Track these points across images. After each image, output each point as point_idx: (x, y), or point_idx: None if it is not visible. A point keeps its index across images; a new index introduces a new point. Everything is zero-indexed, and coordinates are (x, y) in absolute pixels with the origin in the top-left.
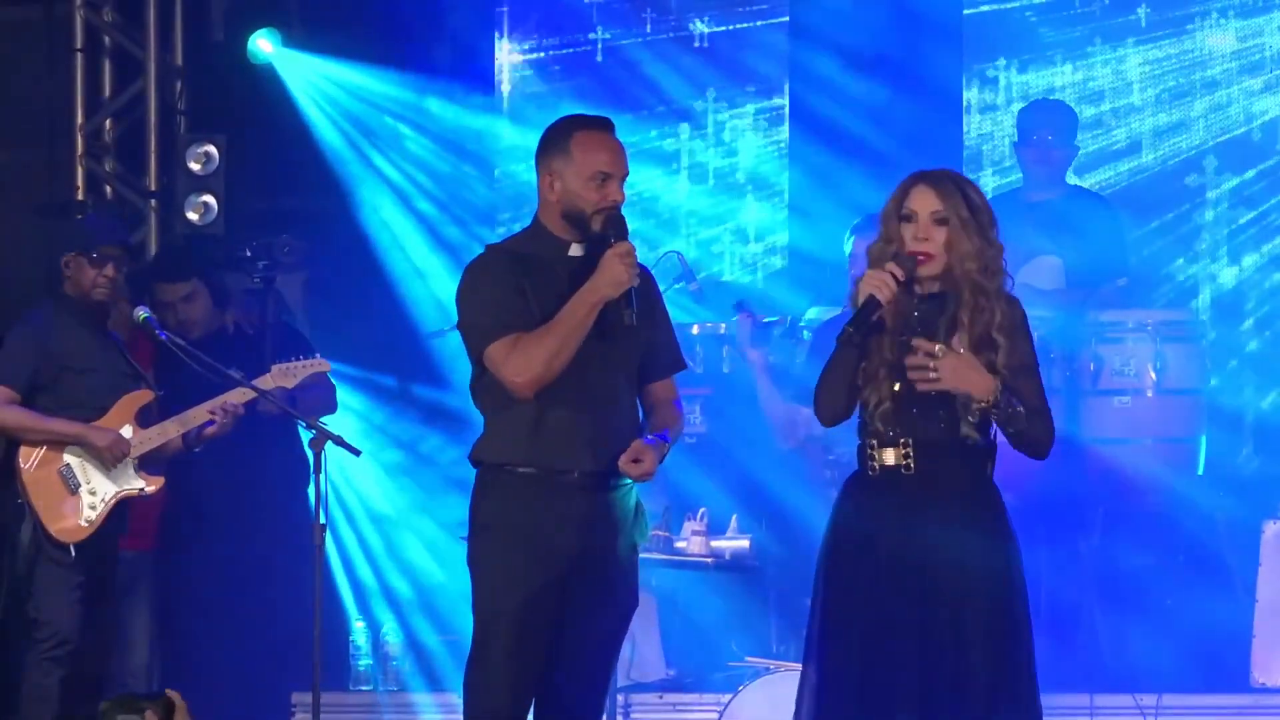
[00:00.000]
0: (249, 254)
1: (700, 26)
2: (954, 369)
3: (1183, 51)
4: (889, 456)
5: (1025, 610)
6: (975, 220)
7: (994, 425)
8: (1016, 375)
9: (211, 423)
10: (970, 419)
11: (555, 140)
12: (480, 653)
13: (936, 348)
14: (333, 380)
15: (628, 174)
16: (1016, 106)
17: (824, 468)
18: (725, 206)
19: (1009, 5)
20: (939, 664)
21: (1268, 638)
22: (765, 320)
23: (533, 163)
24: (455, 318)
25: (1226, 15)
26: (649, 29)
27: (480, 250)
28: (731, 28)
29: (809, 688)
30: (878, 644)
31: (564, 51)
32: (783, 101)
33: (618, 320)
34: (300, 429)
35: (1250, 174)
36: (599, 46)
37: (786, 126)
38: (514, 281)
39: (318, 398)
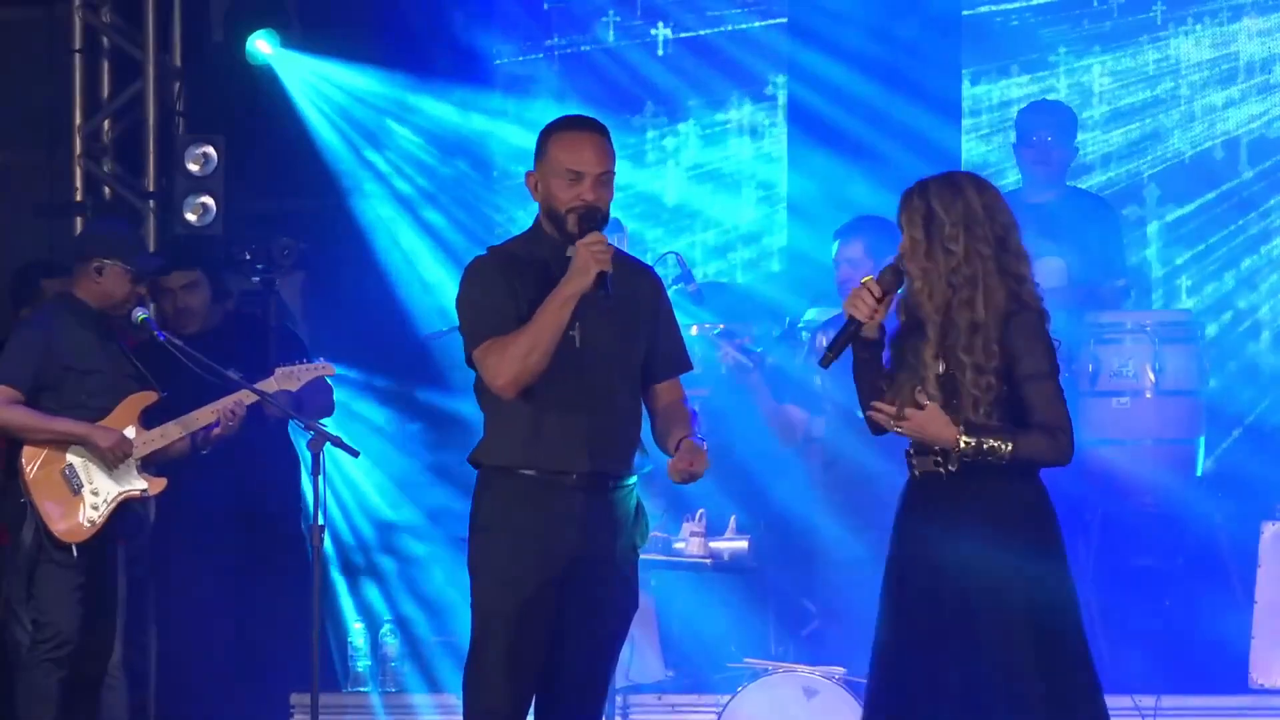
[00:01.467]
0: (248, 257)
1: (664, 32)
2: (916, 426)
3: (1146, 63)
4: (926, 462)
5: (1066, 607)
6: (930, 238)
7: None
8: (1024, 386)
9: (218, 424)
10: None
11: (539, 143)
12: (478, 654)
13: (896, 409)
14: (329, 382)
15: (606, 172)
16: (967, 122)
17: (823, 469)
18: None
19: (982, 9)
20: (981, 670)
21: (1266, 639)
22: (749, 348)
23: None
24: (455, 320)
25: (1202, 20)
26: (612, 36)
27: (480, 251)
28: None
29: (867, 694)
30: (919, 652)
31: (563, 52)
32: (727, 116)
33: (618, 320)
34: (299, 430)
35: (1189, 207)
36: (552, 52)
37: (734, 140)
38: (505, 284)
39: (316, 401)
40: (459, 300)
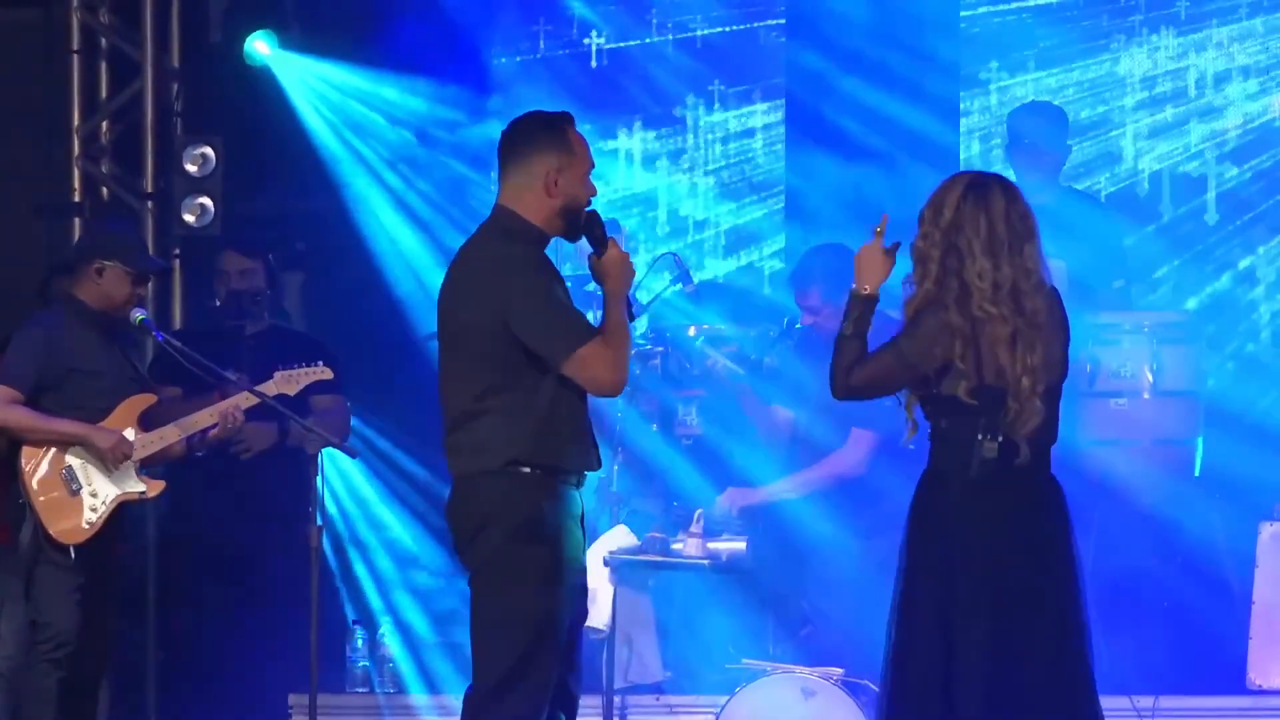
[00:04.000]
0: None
1: (597, 40)
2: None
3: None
4: None
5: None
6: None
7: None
8: None
9: (215, 425)
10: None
11: (552, 136)
12: (532, 661)
13: None
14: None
15: None
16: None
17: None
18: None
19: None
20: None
21: (1264, 639)
22: (741, 355)
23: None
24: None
25: (1157, 29)
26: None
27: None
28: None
29: None
30: None
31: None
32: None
33: None
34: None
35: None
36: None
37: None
38: (558, 280)
39: (331, 425)
40: (541, 296)
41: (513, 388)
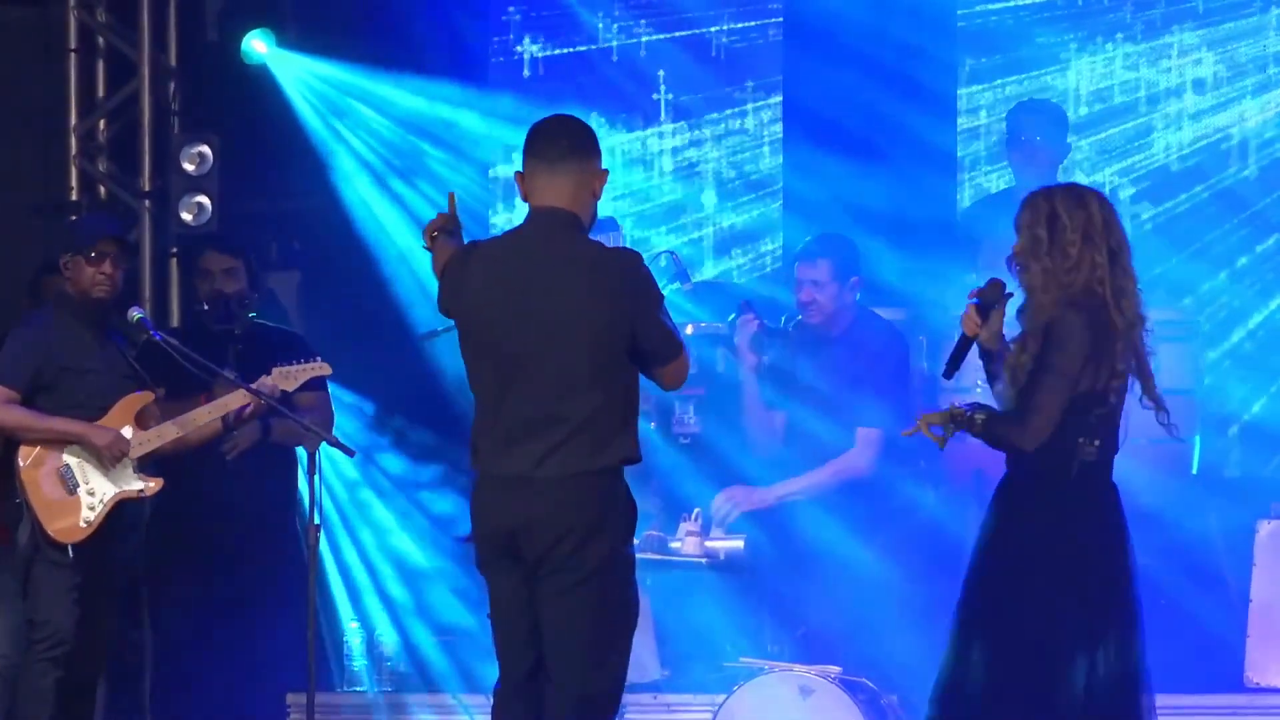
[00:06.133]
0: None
1: (531, 47)
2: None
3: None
4: None
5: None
6: (1052, 238)
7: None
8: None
9: (250, 404)
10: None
11: (596, 143)
12: (627, 650)
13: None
14: (330, 396)
15: None
16: None
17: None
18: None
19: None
20: None
21: (1261, 637)
22: (769, 326)
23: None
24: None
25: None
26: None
27: (471, 242)
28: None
29: None
30: None
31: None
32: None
33: None
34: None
35: None
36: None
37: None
38: None
39: (319, 422)
40: (662, 302)
41: (627, 387)
